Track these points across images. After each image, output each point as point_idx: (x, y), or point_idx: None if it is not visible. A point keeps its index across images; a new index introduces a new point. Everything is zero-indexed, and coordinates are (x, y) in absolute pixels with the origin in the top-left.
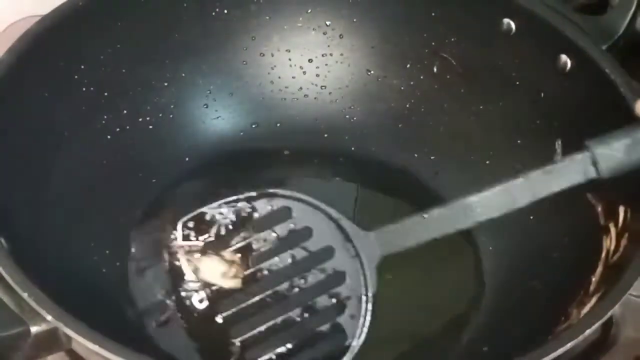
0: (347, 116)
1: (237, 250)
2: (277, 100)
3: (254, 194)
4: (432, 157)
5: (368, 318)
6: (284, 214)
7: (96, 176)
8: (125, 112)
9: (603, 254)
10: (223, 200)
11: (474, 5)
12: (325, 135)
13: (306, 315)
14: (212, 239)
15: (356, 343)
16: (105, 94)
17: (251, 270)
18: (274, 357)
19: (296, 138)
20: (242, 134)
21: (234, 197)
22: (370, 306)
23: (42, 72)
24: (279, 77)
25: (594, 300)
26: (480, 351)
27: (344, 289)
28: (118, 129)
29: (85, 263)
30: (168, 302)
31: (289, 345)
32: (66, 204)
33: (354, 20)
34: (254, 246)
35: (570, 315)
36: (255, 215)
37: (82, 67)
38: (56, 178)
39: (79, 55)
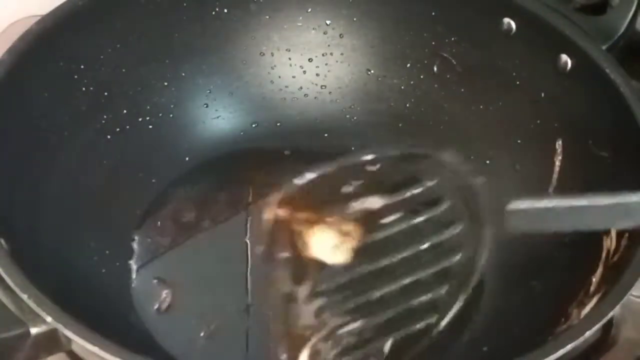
0: (347, 116)
1: (357, 220)
2: (277, 99)
3: (376, 156)
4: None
5: (462, 300)
6: (416, 179)
7: (96, 176)
8: (125, 112)
9: (603, 255)
10: (341, 163)
11: (474, 5)
12: (325, 135)
13: (404, 290)
14: (329, 206)
15: (444, 324)
16: (105, 93)
17: (366, 243)
18: (357, 330)
19: (296, 138)
20: (242, 133)
21: (356, 159)
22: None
23: (42, 72)
24: (279, 77)
25: (594, 300)
26: (480, 351)
27: (454, 264)
28: (118, 129)
29: (85, 263)
30: None
31: (378, 321)
32: (66, 204)
33: (354, 19)
34: (378, 215)
35: (571, 315)
36: (383, 179)
37: (82, 67)
38: (56, 178)
39: (78, 55)
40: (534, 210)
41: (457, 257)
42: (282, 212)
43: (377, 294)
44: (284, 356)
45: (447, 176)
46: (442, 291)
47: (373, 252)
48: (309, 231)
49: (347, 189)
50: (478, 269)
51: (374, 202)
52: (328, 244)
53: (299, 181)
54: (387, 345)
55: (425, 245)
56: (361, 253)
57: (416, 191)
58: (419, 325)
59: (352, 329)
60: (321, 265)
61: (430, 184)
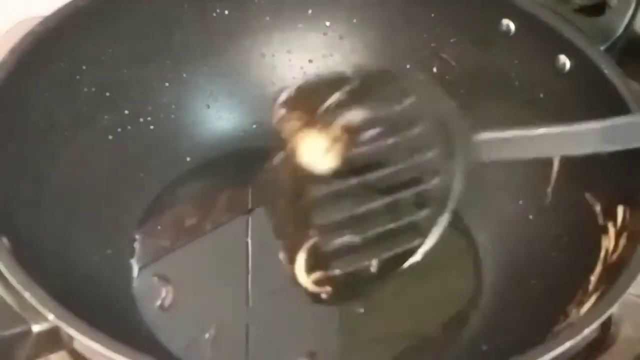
0: None
1: (342, 129)
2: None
3: (367, 70)
4: None
5: (443, 223)
6: (399, 96)
7: (97, 176)
8: (126, 112)
9: (602, 254)
10: (338, 71)
11: (474, 6)
12: None
13: (387, 209)
14: (320, 114)
15: (427, 245)
16: (107, 94)
17: (350, 153)
18: (348, 243)
19: None
20: (242, 134)
21: (348, 71)
22: (448, 213)
23: (44, 72)
24: (280, 78)
25: (593, 299)
26: (479, 350)
27: (431, 187)
28: (119, 129)
29: (86, 262)
30: None
31: (365, 237)
32: (67, 203)
33: (354, 21)
34: (360, 127)
35: (569, 314)
36: (370, 91)
37: (84, 67)
38: (58, 178)
39: (80, 55)
40: (499, 140)
41: (435, 181)
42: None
43: (363, 209)
44: (282, 255)
45: (424, 96)
46: (423, 214)
47: (355, 165)
48: (300, 134)
49: (332, 99)
50: (454, 196)
51: (357, 114)
52: (317, 149)
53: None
54: (374, 264)
55: (405, 165)
56: (347, 163)
57: (396, 108)
58: (404, 247)
59: (340, 243)
60: (311, 174)
61: (408, 101)
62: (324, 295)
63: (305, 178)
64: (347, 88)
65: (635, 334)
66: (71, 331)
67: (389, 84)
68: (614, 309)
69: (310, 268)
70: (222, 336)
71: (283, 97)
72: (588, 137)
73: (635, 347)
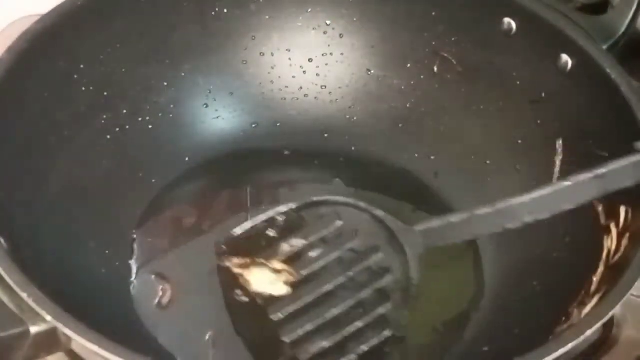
0: (347, 116)
1: (285, 260)
2: (277, 100)
3: (294, 205)
4: (432, 157)
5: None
6: (330, 219)
7: (96, 176)
8: (125, 112)
9: (604, 254)
10: (268, 214)
11: (475, 5)
12: (326, 135)
13: (353, 310)
14: (260, 250)
15: (400, 333)
16: (105, 93)
17: (300, 277)
18: (323, 349)
19: (296, 138)
20: (242, 133)
21: (279, 210)
22: (412, 295)
23: (42, 71)
24: (279, 77)
25: (595, 300)
26: (480, 351)
27: (389, 282)
28: (118, 129)
29: (85, 263)
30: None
31: (337, 339)
32: (66, 204)
33: (354, 19)
34: (303, 253)
35: (571, 315)
36: (302, 223)
37: (82, 66)
38: (56, 178)
39: (78, 54)
40: (440, 226)
41: (390, 277)
42: (222, 260)
43: (328, 315)
44: None
45: (352, 213)
46: (389, 306)
47: (309, 283)
48: (246, 272)
49: (271, 233)
50: (413, 283)
51: (297, 242)
52: (266, 281)
53: (234, 232)
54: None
55: (357, 270)
56: (298, 285)
57: (331, 229)
58: (378, 339)
59: (316, 350)
60: (269, 298)
61: (340, 222)
62: None
63: (265, 302)
64: (278, 225)
65: (638, 335)
66: (69, 332)
67: (316, 214)
68: (616, 310)
69: None
70: (220, 336)
71: (221, 247)
72: (520, 210)
73: (637, 348)
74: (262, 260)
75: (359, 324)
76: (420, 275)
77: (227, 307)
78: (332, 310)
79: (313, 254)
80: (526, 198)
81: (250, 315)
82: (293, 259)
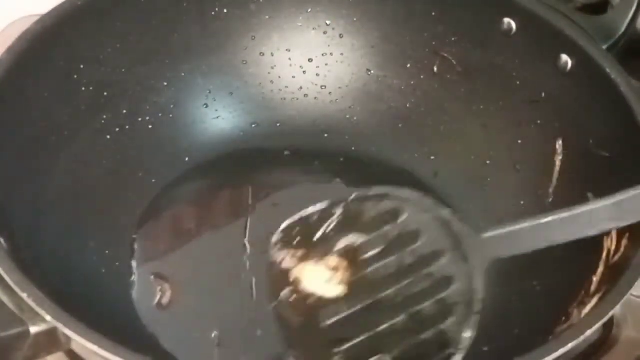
0: (347, 116)
1: (342, 255)
2: (277, 100)
3: (352, 197)
4: (432, 157)
5: (474, 327)
6: (391, 216)
7: (96, 176)
8: (125, 112)
9: (604, 254)
10: (323, 205)
11: (475, 5)
12: (326, 135)
13: (411, 322)
14: (315, 244)
15: (461, 354)
16: (105, 93)
17: (357, 276)
18: None
19: (296, 138)
20: (242, 133)
21: (340, 199)
22: (477, 314)
23: (42, 71)
24: (279, 77)
25: (594, 300)
26: (480, 351)
27: (451, 294)
28: (118, 129)
29: (85, 263)
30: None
31: (393, 354)
32: (66, 204)
33: (354, 19)
34: (360, 250)
35: (571, 315)
36: (361, 217)
37: (82, 66)
38: (56, 178)
39: (78, 54)
40: (507, 233)
41: (453, 287)
42: (271, 255)
43: (383, 327)
44: None
45: (415, 210)
46: (449, 322)
47: (365, 286)
48: (299, 268)
49: (328, 227)
50: (478, 297)
51: (354, 238)
52: (319, 279)
53: (285, 223)
54: None
55: (418, 276)
56: (354, 287)
57: (392, 226)
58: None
59: None
60: (321, 300)
61: (402, 218)
62: None
63: (316, 303)
64: (335, 217)
65: (638, 335)
66: (69, 332)
67: (377, 206)
68: (616, 310)
69: None
70: (220, 336)
71: (275, 237)
72: (596, 217)
73: (637, 349)
74: (316, 256)
75: (414, 339)
76: (485, 289)
77: (273, 306)
78: (391, 320)
79: (372, 252)
80: (607, 202)
81: (297, 317)
82: (350, 257)
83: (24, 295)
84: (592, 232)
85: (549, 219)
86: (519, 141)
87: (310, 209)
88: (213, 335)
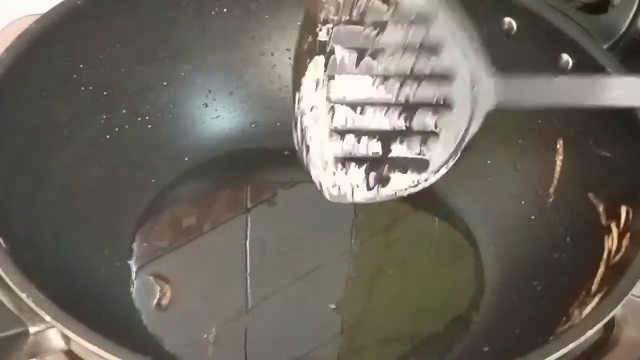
0: None
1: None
2: (277, 99)
3: None
4: None
5: (453, 160)
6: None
7: (95, 176)
8: (124, 111)
9: (605, 254)
10: None
11: (475, 5)
12: None
13: (399, 135)
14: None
15: (432, 177)
16: (104, 93)
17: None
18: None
19: None
20: (241, 133)
21: None
22: (461, 148)
23: (41, 71)
24: (279, 76)
25: (595, 300)
26: (480, 351)
27: (445, 118)
28: (117, 129)
29: (84, 263)
30: None
31: (374, 149)
32: (65, 203)
33: None
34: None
35: (572, 315)
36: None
37: (81, 66)
38: (55, 177)
39: (77, 54)
40: (520, 82)
41: (448, 116)
42: None
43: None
44: None
45: (443, 26)
46: (430, 142)
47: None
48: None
49: None
50: (469, 134)
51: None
52: None
53: None
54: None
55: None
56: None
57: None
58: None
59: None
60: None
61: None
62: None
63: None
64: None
65: (638, 336)
66: (68, 332)
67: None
68: (616, 311)
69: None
70: (220, 336)
71: None
72: (611, 89)
73: (638, 349)
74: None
75: (400, 152)
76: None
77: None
78: (384, 121)
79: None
80: (628, 78)
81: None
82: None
83: (24, 296)
84: (603, 102)
85: (565, 78)
86: (519, 141)
87: None
88: (213, 335)
